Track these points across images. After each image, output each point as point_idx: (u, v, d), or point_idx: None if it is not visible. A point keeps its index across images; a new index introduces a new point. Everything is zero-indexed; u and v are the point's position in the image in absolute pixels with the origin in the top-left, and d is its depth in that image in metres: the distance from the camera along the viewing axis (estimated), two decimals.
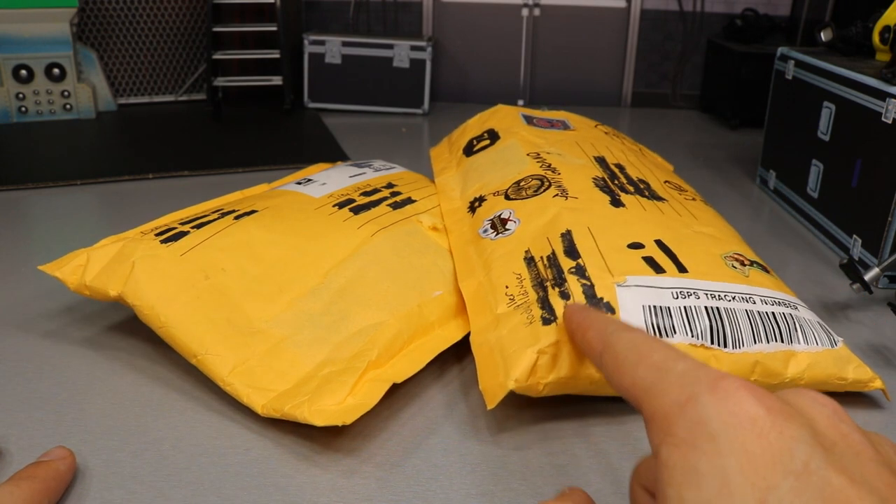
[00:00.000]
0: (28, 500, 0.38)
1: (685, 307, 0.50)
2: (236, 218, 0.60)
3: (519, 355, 0.46)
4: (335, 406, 0.45)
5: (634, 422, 0.50)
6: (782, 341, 0.50)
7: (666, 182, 0.72)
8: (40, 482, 0.39)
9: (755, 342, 0.49)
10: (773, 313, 0.51)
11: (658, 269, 0.53)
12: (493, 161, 0.74)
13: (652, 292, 0.50)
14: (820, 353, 0.51)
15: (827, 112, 0.83)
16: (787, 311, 0.52)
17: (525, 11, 1.53)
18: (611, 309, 0.49)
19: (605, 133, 0.85)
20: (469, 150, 0.80)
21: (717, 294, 0.51)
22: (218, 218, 0.60)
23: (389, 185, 0.72)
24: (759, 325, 0.50)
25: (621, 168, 0.72)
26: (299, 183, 0.71)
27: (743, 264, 0.57)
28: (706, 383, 0.21)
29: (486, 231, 0.61)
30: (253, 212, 0.62)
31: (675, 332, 0.48)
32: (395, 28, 1.57)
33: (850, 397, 0.53)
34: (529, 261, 0.55)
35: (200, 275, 0.54)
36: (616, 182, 0.67)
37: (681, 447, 0.20)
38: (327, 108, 1.45)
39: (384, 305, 0.54)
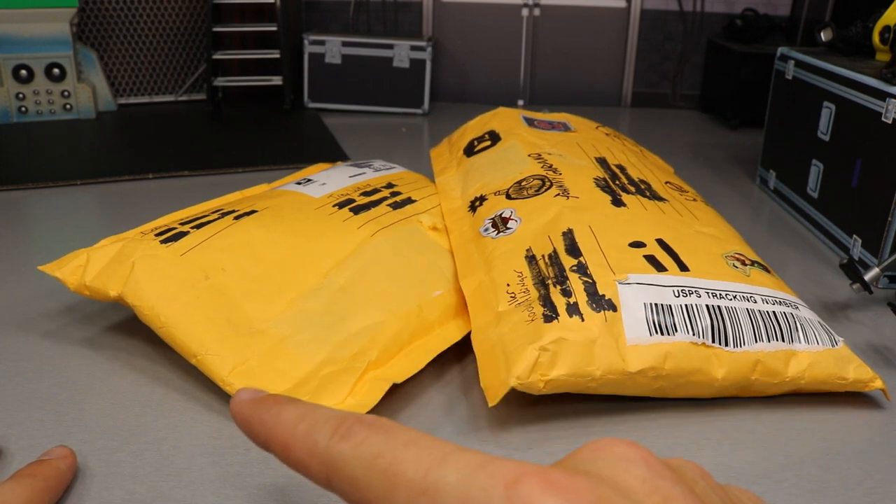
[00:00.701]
0: (29, 499, 0.38)
1: (686, 305, 0.50)
2: (236, 218, 0.60)
3: (520, 352, 0.46)
4: (335, 406, 0.45)
5: (636, 422, 0.50)
6: (783, 340, 0.50)
7: (667, 183, 0.72)
8: (41, 480, 0.39)
9: (756, 341, 0.49)
10: (774, 312, 0.51)
11: (660, 268, 0.53)
12: (495, 161, 0.74)
13: (653, 290, 0.50)
14: (821, 352, 0.51)
15: (827, 112, 0.83)
16: (788, 310, 0.52)
17: (525, 11, 1.53)
18: (612, 306, 0.49)
19: (606, 134, 0.85)
20: (470, 151, 0.80)
21: (718, 293, 0.51)
22: (218, 218, 0.60)
23: (389, 185, 0.72)
24: (760, 323, 0.50)
25: (622, 169, 0.72)
26: (299, 183, 0.71)
27: (744, 264, 0.57)
28: None
29: (487, 230, 0.61)
30: (253, 212, 0.62)
31: (676, 330, 0.48)
32: (395, 28, 1.57)
33: (851, 397, 0.53)
34: (531, 259, 0.55)
35: (200, 275, 0.54)
36: (617, 182, 0.67)
37: None
38: (327, 108, 1.45)
39: (384, 305, 0.54)
